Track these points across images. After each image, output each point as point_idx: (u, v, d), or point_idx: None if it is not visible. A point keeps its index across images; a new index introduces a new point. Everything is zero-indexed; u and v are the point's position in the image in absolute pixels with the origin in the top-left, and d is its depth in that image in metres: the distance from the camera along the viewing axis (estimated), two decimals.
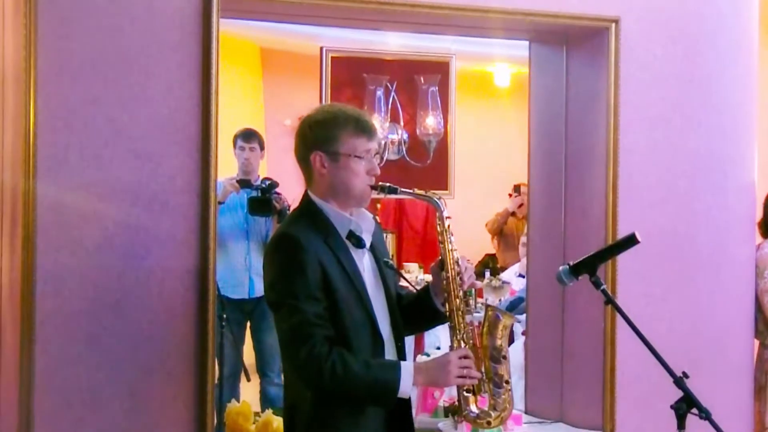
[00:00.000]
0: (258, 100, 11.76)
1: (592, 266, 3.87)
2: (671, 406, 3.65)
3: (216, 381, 6.80)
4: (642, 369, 4.75)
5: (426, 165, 7.37)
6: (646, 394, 5.17)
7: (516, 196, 10.73)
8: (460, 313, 3.76)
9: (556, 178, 5.58)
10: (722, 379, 5.46)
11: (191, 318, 4.43)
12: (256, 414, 5.02)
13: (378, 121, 7.07)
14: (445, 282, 3.78)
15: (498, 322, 3.84)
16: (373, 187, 3.75)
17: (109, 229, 4.32)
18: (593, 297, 4.13)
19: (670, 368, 3.68)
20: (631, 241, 3.91)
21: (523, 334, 7.50)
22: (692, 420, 3.64)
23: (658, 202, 5.38)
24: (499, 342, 3.81)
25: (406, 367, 3.59)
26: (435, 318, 3.91)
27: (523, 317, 7.09)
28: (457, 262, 3.79)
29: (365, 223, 3.77)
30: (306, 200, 3.77)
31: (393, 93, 7.39)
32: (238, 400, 5.37)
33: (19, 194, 4.21)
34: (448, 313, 3.78)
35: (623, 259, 4.97)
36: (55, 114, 4.24)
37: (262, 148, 7.64)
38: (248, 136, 7.61)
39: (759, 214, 5.90)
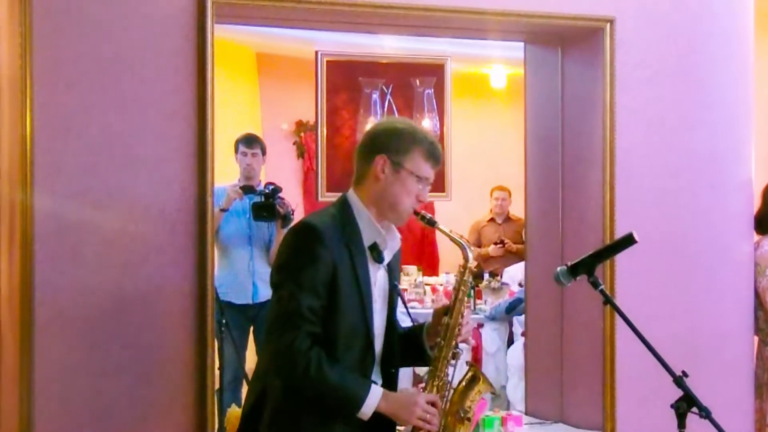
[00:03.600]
0: (254, 105, 11.76)
1: (590, 266, 3.87)
2: (671, 406, 3.65)
3: (217, 386, 6.83)
4: (641, 368, 4.75)
5: None
6: (646, 394, 5.17)
7: (500, 247, 10.68)
8: (445, 362, 3.75)
9: (553, 178, 5.59)
10: (722, 377, 5.46)
11: (190, 324, 4.44)
12: None
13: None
14: (444, 328, 3.76)
15: (475, 384, 3.81)
16: (416, 213, 3.76)
17: (106, 236, 4.32)
18: (592, 297, 4.13)
19: (669, 367, 3.68)
20: (628, 240, 3.91)
21: (522, 335, 7.51)
22: (692, 419, 3.64)
23: (655, 201, 5.38)
24: (468, 403, 3.79)
25: (375, 390, 3.59)
26: (419, 358, 3.90)
27: (522, 318, 7.10)
28: (462, 314, 3.79)
29: (392, 242, 3.79)
30: (343, 200, 3.77)
31: (389, 96, 7.38)
32: (239, 405, 5.35)
33: (16, 203, 4.21)
34: (434, 357, 3.76)
35: (621, 259, 4.97)
36: (51, 122, 4.25)
37: (263, 153, 7.62)
38: (250, 141, 7.60)
39: (757, 207, 5.89)
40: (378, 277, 3.75)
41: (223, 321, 6.43)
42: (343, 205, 3.74)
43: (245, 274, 7.33)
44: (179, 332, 4.42)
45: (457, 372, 3.81)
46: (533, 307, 5.85)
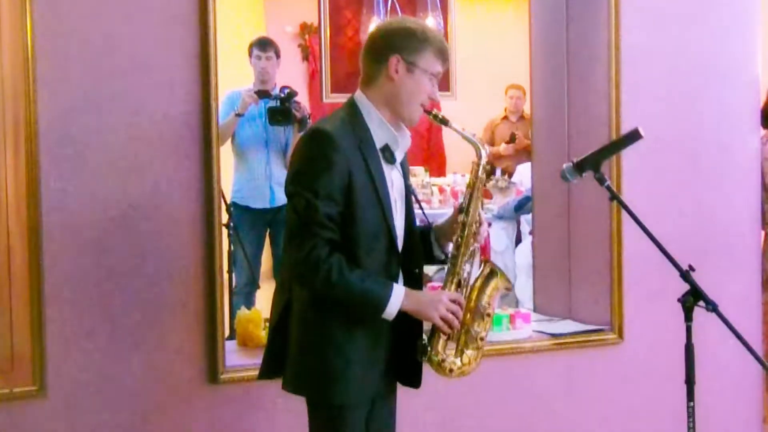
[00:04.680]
0: (258, 8, 11.68)
1: (595, 163, 3.87)
2: (678, 300, 3.68)
3: (233, 290, 6.92)
4: (649, 264, 4.77)
5: None
6: (653, 289, 5.20)
7: (511, 145, 10.66)
8: (464, 259, 3.75)
9: (558, 76, 5.55)
10: (729, 271, 5.48)
11: (198, 228, 4.45)
12: (267, 320, 5.04)
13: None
14: (461, 226, 3.75)
15: (491, 281, 3.81)
16: (427, 111, 3.76)
17: (111, 142, 4.31)
18: (599, 194, 4.14)
19: (676, 262, 3.70)
20: (634, 136, 3.91)
21: (530, 233, 7.53)
22: (699, 312, 3.68)
23: (661, 98, 5.37)
24: (486, 299, 3.79)
25: (398, 290, 3.60)
26: (427, 258, 3.91)
27: (530, 217, 7.12)
28: (480, 213, 3.79)
29: (403, 141, 3.77)
30: (351, 102, 3.76)
31: None
32: (249, 309, 5.38)
33: (20, 111, 4.20)
34: (452, 255, 3.77)
35: (627, 155, 4.97)
36: (52, 28, 4.21)
37: (278, 56, 7.59)
38: (264, 44, 7.58)
39: (763, 101, 5.89)
40: (393, 178, 3.75)
41: (231, 225, 6.49)
42: (352, 108, 3.73)
43: (262, 179, 7.39)
44: (187, 236, 4.44)
45: (473, 270, 3.83)
46: (540, 206, 5.86)
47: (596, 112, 5.31)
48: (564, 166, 3.95)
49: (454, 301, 3.68)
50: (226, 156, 7.45)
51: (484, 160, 3.79)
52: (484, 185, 3.82)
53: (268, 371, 3.82)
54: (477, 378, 4.79)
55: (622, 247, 5.24)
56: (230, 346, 4.80)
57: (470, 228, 3.75)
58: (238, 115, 7.21)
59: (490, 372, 4.95)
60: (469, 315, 3.77)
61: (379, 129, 3.70)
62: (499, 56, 11.94)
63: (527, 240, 8.15)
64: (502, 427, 5.08)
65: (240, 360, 4.69)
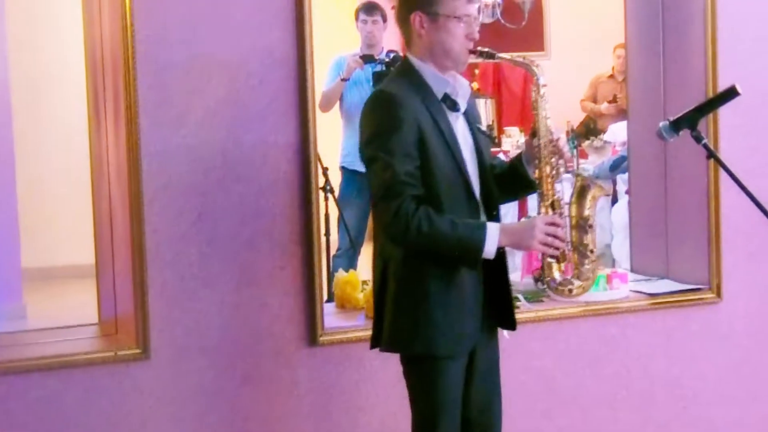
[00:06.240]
0: None
1: (692, 121, 3.85)
2: None
3: (336, 252, 6.96)
4: (747, 223, 4.73)
5: (521, 27, 7.31)
6: (752, 248, 5.16)
7: (613, 105, 10.57)
8: (549, 180, 3.77)
9: (654, 33, 5.49)
10: None
11: (295, 191, 4.48)
12: (365, 283, 5.09)
13: None
14: (536, 149, 3.78)
15: (587, 192, 3.82)
16: (472, 52, 3.78)
17: (210, 105, 4.36)
18: (695, 152, 4.11)
19: None
20: (731, 93, 3.87)
21: (626, 193, 7.49)
22: None
23: (760, 53, 5.29)
24: (586, 212, 3.79)
25: (492, 228, 3.62)
26: (526, 187, 3.92)
27: (626, 176, 7.07)
28: (551, 130, 3.80)
29: (462, 89, 3.80)
30: (404, 62, 3.82)
31: None
32: (346, 271, 5.40)
33: (120, 74, 4.26)
34: (537, 180, 3.79)
35: (725, 113, 4.91)
36: None
37: (384, 20, 7.63)
38: (370, 8, 7.62)
39: None
40: (459, 127, 3.78)
41: (328, 188, 6.53)
42: (407, 67, 3.79)
43: None
44: (285, 199, 4.47)
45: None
46: (636, 165, 5.81)
47: (693, 69, 5.26)
48: (660, 124, 3.92)
49: (550, 224, 3.68)
50: (335, 120, 7.50)
51: (541, 81, 3.80)
52: (545, 101, 3.81)
53: (378, 340, 3.85)
54: (574, 338, 4.81)
55: (720, 205, 5.19)
56: (329, 308, 4.85)
57: (546, 148, 3.78)
58: (344, 79, 7.25)
59: (588, 332, 4.96)
60: (574, 232, 3.80)
61: (435, 81, 3.74)
62: (596, 14, 11.81)
63: (623, 199, 8.09)
64: (599, 387, 5.07)
65: (338, 322, 4.73)
